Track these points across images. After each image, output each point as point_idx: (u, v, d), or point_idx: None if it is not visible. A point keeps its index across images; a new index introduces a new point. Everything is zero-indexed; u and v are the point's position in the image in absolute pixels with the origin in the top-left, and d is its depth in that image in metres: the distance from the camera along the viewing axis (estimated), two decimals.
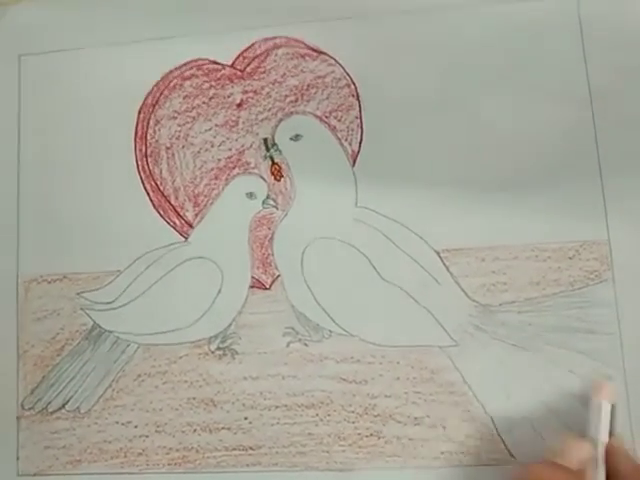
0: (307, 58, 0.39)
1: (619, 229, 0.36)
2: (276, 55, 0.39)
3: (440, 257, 0.37)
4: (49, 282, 0.39)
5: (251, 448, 0.37)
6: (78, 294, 0.39)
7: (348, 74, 0.39)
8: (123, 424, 0.38)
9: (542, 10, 0.38)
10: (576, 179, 0.37)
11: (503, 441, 0.36)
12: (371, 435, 0.36)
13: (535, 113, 0.37)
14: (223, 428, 0.37)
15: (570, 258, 0.36)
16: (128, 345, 0.38)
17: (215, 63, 0.40)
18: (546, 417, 0.35)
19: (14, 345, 0.39)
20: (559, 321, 0.36)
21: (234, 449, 0.37)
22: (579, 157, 0.37)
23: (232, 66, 0.40)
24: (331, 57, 0.39)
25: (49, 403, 0.38)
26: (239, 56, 0.40)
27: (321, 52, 0.39)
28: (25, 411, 0.38)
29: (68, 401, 0.38)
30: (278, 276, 0.38)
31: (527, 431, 0.36)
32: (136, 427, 0.38)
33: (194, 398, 0.38)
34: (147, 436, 0.37)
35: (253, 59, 0.40)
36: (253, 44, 0.40)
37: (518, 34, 0.38)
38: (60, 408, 0.38)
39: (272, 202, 0.39)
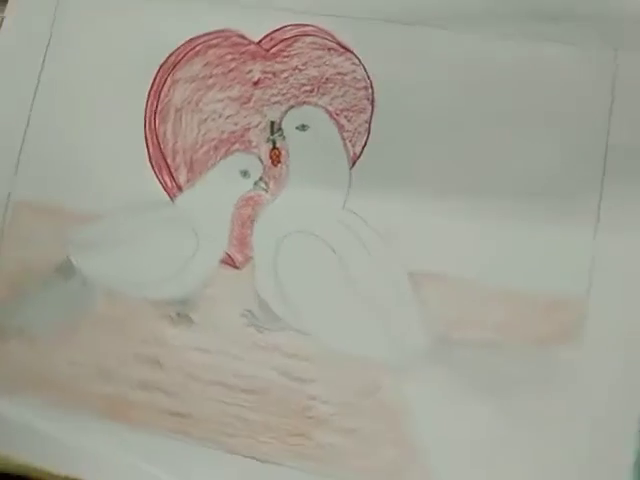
0: (332, 52, 0.39)
1: (601, 295, 0.35)
2: (303, 42, 0.39)
3: (411, 279, 0.37)
4: (36, 209, 0.40)
5: (182, 416, 0.37)
6: (59, 227, 0.40)
7: (369, 77, 0.38)
8: (70, 362, 0.39)
9: (578, 55, 0.37)
10: (570, 232, 0.36)
11: (429, 474, 0.35)
12: (300, 435, 0.36)
13: (545, 156, 0.36)
14: (160, 390, 0.38)
15: (543, 310, 0.35)
16: (93, 287, 0.39)
17: (243, 37, 0.40)
18: (480, 464, 0.35)
19: None
20: (516, 372, 0.35)
21: (165, 412, 0.37)
22: (578, 211, 0.36)
23: (258, 44, 0.40)
24: (356, 56, 0.39)
25: (8, 324, 0.39)
26: (267, 36, 0.40)
27: (348, 49, 0.39)
28: None
29: (26, 327, 0.39)
30: (251, 258, 0.38)
31: (458, 471, 0.35)
32: (80, 367, 0.38)
33: (141, 354, 0.38)
34: (88, 378, 0.38)
35: (280, 41, 0.40)
36: (284, 27, 0.40)
37: (549, 73, 0.37)
38: (17, 331, 0.39)
39: (263, 185, 0.39)
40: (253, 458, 0.36)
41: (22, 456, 0.38)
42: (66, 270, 0.39)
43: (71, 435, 0.37)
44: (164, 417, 0.37)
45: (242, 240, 0.38)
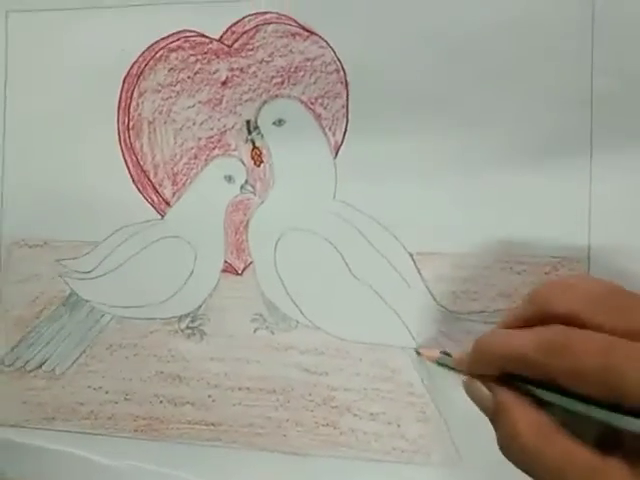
0: (297, 38, 0.37)
1: (601, 250, 0.35)
2: (265, 32, 0.38)
3: (413, 259, 0.37)
4: (30, 247, 0.40)
5: (212, 424, 0.39)
6: (57, 261, 0.40)
7: (339, 59, 0.37)
8: (94, 389, 0.40)
9: (555, 6, 0.35)
10: (565, 191, 0.35)
11: (455, 444, 0.36)
12: (327, 425, 0.38)
13: (532, 115, 0.35)
14: (187, 403, 0.39)
15: (546, 273, 0.36)
16: (102, 315, 0.39)
17: (203, 36, 0.38)
18: None
19: None
20: None
21: (196, 423, 0.39)
22: (571, 170, 0.35)
23: (220, 40, 0.38)
24: (322, 39, 0.37)
25: (27, 362, 0.40)
26: (227, 30, 0.38)
27: (313, 32, 0.37)
28: (5, 367, 0.41)
29: (45, 362, 0.40)
30: (251, 263, 0.38)
31: (480, 436, 0.36)
32: (107, 393, 0.39)
33: (162, 372, 0.39)
34: (116, 402, 0.39)
35: (242, 34, 0.38)
36: (243, 18, 0.38)
37: (525, 28, 0.35)
38: (37, 368, 0.40)
39: (250, 188, 0.38)
40: (285, 452, 0.38)
41: None
42: (72, 302, 0.40)
43: (110, 458, 0.39)
44: (194, 428, 0.39)
45: (238, 246, 0.38)
